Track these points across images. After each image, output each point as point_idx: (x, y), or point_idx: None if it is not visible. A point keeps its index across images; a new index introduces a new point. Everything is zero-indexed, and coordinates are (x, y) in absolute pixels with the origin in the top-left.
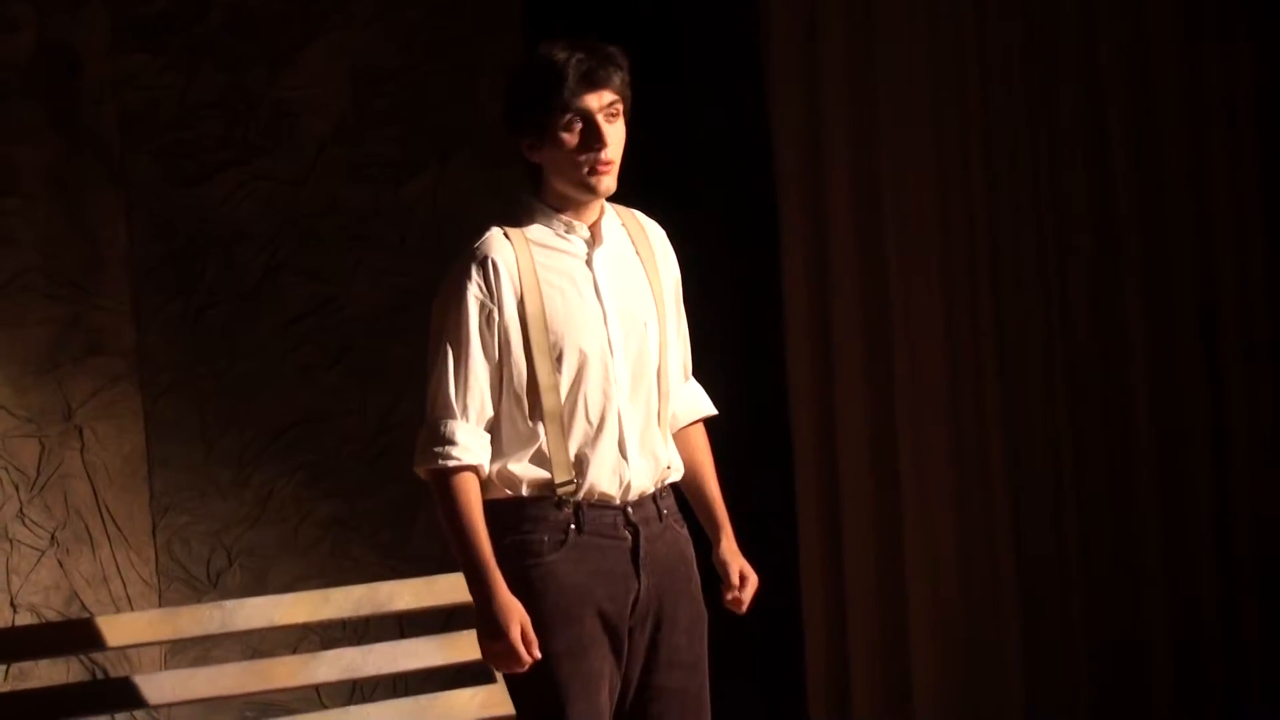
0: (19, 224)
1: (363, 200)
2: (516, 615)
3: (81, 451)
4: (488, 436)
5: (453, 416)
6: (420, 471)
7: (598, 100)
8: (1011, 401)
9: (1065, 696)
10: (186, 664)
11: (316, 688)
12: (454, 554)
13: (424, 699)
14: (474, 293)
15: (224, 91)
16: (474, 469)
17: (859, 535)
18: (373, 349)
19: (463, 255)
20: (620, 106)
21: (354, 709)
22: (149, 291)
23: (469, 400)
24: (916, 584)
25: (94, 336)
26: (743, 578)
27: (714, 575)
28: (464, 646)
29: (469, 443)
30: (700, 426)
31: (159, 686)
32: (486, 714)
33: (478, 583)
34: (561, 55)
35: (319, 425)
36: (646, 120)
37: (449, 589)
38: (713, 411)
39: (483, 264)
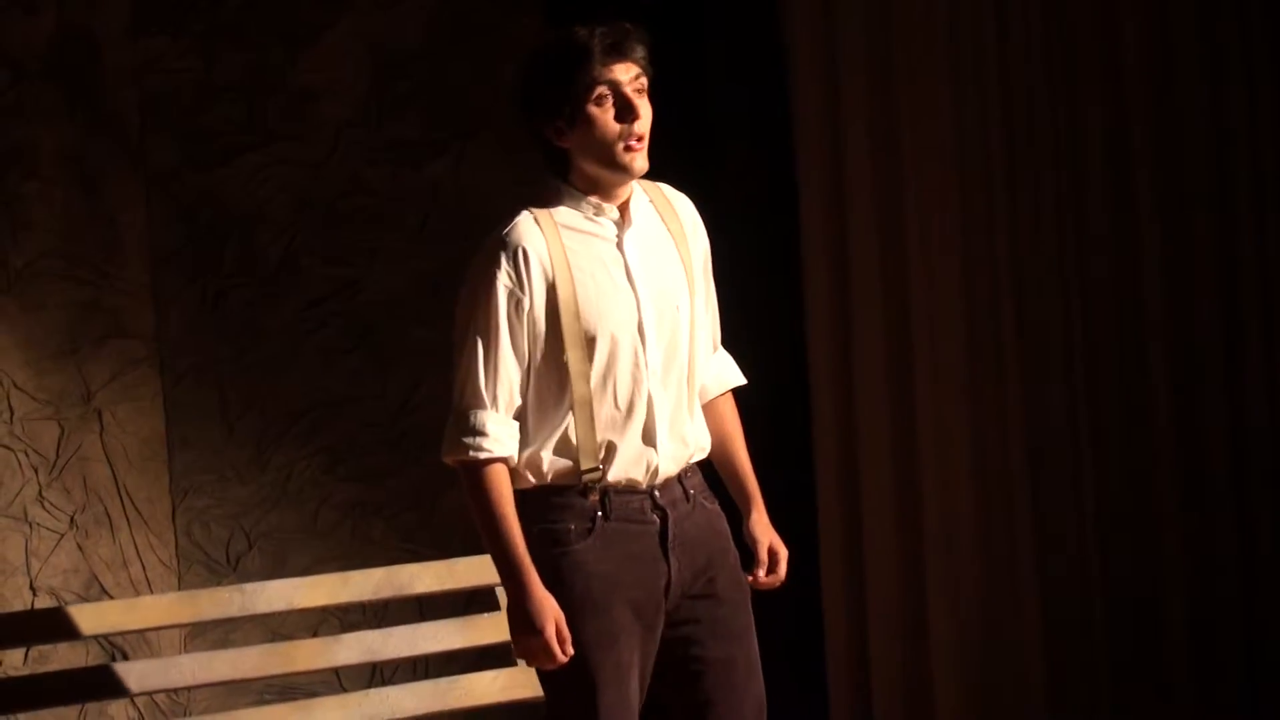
0: (39, 208)
1: (383, 183)
2: (551, 612)
3: (101, 434)
4: (516, 426)
5: (482, 406)
6: (449, 461)
7: (625, 72)
8: (1032, 387)
9: (1085, 686)
10: (206, 647)
11: (336, 670)
12: (486, 547)
13: (444, 682)
14: (503, 280)
15: (244, 74)
16: (504, 460)
17: (879, 522)
18: (393, 332)
19: (491, 241)
20: (645, 82)
21: (374, 691)
22: (169, 275)
23: (499, 390)
24: (936, 570)
25: (114, 319)
26: (773, 555)
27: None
28: (484, 629)
29: (499, 433)
30: (729, 397)
31: (179, 669)
32: (507, 697)
33: (511, 578)
34: (583, 32)
35: (339, 408)
36: (666, 102)
37: (469, 572)
38: (742, 381)
39: (513, 251)
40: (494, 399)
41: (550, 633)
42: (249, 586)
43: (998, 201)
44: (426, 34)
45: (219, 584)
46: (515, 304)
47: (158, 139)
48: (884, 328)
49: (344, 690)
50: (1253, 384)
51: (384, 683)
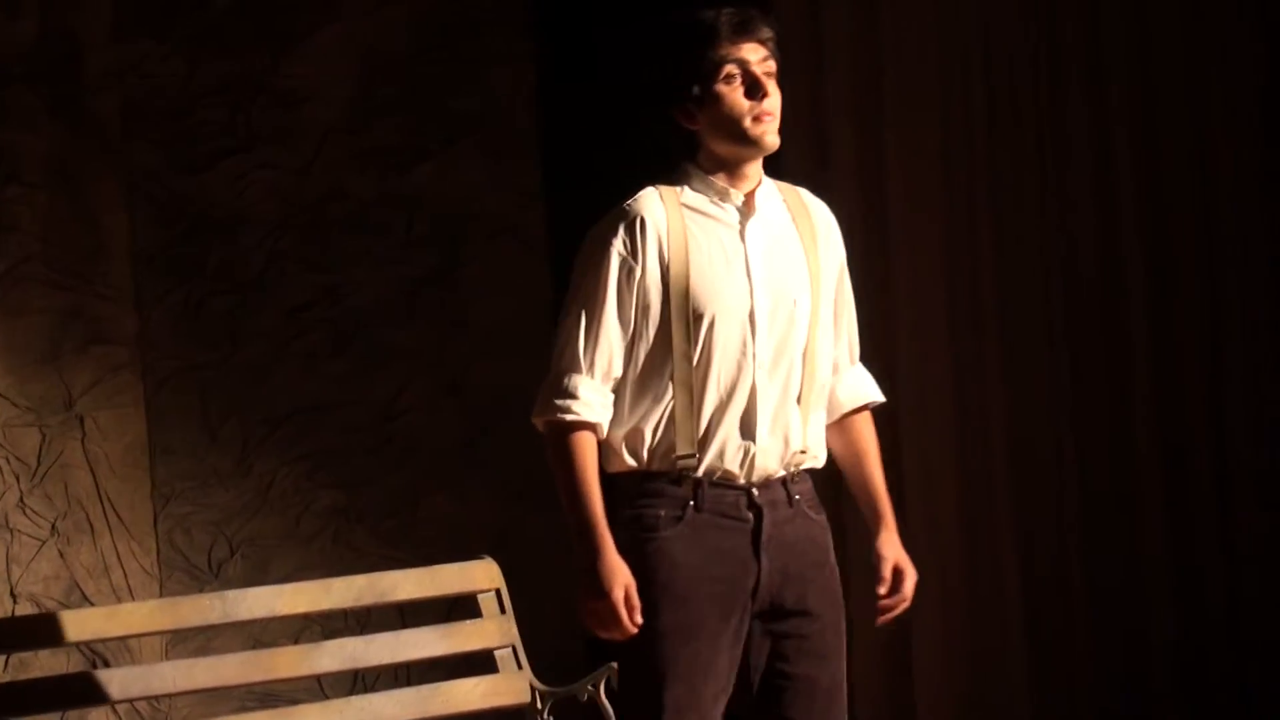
0: (20, 211)
1: (367, 188)
2: (621, 576)
3: (83, 441)
4: (611, 396)
5: (579, 371)
6: (537, 422)
7: (754, 53)
8: (1015, 400)
9: (1069, 696)
10: (188, 654)
11: (318, 678)
12: (564, 509)
13: (426, 689)
14: (619, 249)
15: (228, 78)
16: (593, 427)
17: (861, 529)
18: (376, 338)
19: (613, 211)
20: (774, 66)
21: (356, 699)
22: (151, 280)
23: (597, 357)
24: (920, 581)
25: (95, 325)
26: (897, 575)
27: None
28: (466, 636)
29: (591, 399)
30: (866, 414)
31: (160, 676)
32: (489, 704)
33: (585, 540)
34: (709, 13)
35: (321, 414)
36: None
37: (451, 579)
38: (880, 399)
39: (632, 222)
40: (591, 365)
41: (619, 596)
42: (231, 593)
43: (978, 203)
44: (411, 40)
45: (201, 591)
46: (627, 273)
47: (140, 143)
48: (868, 331)
49: (326, 697)
50: (1235, 377)
51: (366, 690)
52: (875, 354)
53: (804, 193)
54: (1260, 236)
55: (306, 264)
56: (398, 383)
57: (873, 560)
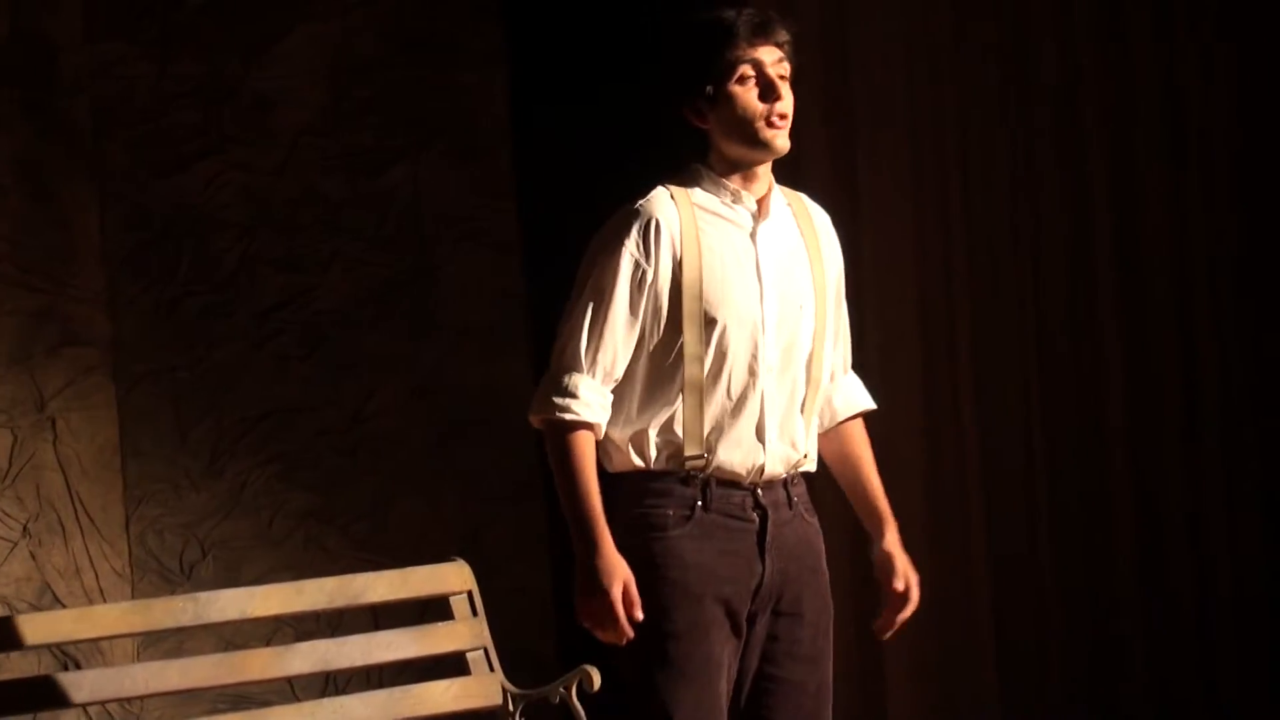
0: None
1: (339, 190)
2: (620, 574)
3: (54, 443)
4: (610, 397)
5: (579, 370)
6: (534, 420)
7: (769, 54)
8: (985, 406)
9: (1039, 701)
10: (159, 656)
11: (290, 680)
12: (562, 507)
13: (398, 691)
14: (630, 249)
15: (200, 80)
16: (591, 426)
17: (830, 535)
18: (348, 340)
19: (624, 210)
20: (789, 69)
21: (328, 701)
22: (123, 282)
23: (600, 356)
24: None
25: (67, 327)
26: (905, 583)
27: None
28: (438, 638)
29: (590, 399)
30: (859, 422)
31: (132, 679)
32: (460, 706)
33: (582, 537)
34: (728, 13)
35: (293, 417)
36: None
37: (423, 581)
38: (872, 406)
39: (645, 221)
40: (592, 364)
41: (617, 593)
42: (202, 595)
43: (953, 214)
44: (382, 43)
45: (172, 593)
46: (639, 275)
47: (112, 144)
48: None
49: (298, 699)
50: (1208, 377)
51: (338, 692)
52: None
53: (807, 200)
54: (1231, 222)
55: (278, 266)
56: (369, 385)
57: (878, 568)
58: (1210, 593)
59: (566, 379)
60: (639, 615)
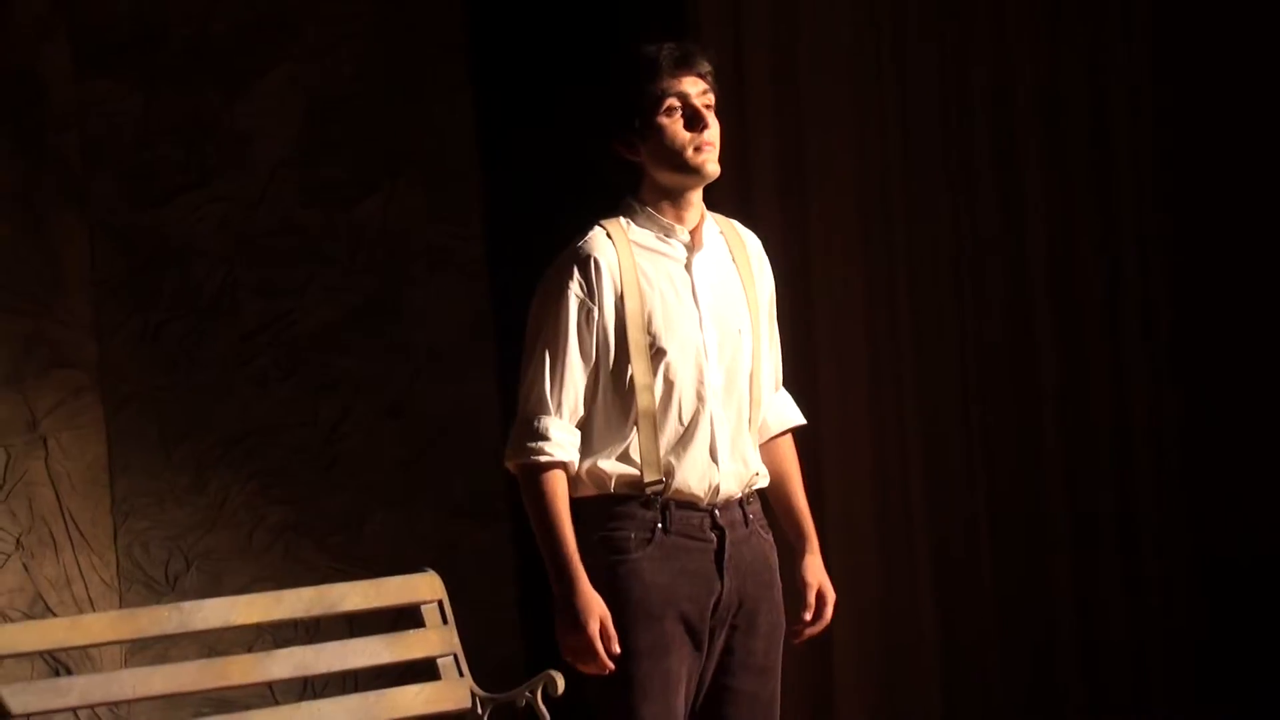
0: None
1: (315, 220)
2: (596, 610)
3: (46, 460)
4: (578, 434)
5: (547, 413)
6: (510, 465)
7: (693, 85)
8: (929, 417)
9: (983, 703)
10: (146, 662)
11: (270, 685)
12: (540, 547)
13: (372, 695)
14: (575, 290)
15: (183, 117)
16: (564, 465)
17: (784, 549)
18: (324, 362)
19: (564, 253)
20: (713, 99)
21: (305, 705)
22: (110, 307)
23: (564, 397)
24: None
25: (57, 350)
26: (820, 599)
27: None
28: (411, 645)
29: (561, 439)
30: (789, 437)
31: (120, 684)
32: (432, 709)
33: (560, 576)
34: (650, 48)
35: (273, 435)
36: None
37: (397, 590)
38: (802, 421)
39: (585, 262)
40: (558, 405)
41: (594, 629)
42: (187, 605)
43: (896, 219)
44: (356, 80)
45: (158, 602)
46: (586, 314)
47: (100, 178)
48: (790, 354)
49: (277, 703)
50: (1137, 386)
51: (315, 696)
52: (796, 376)
53: (738, 225)
54: (1157, 234)
55: (257, 292)
56: (344, 405)
57: (797, 584)
58: (1141, 599)
59: (537, 422)
60: (616, 649)
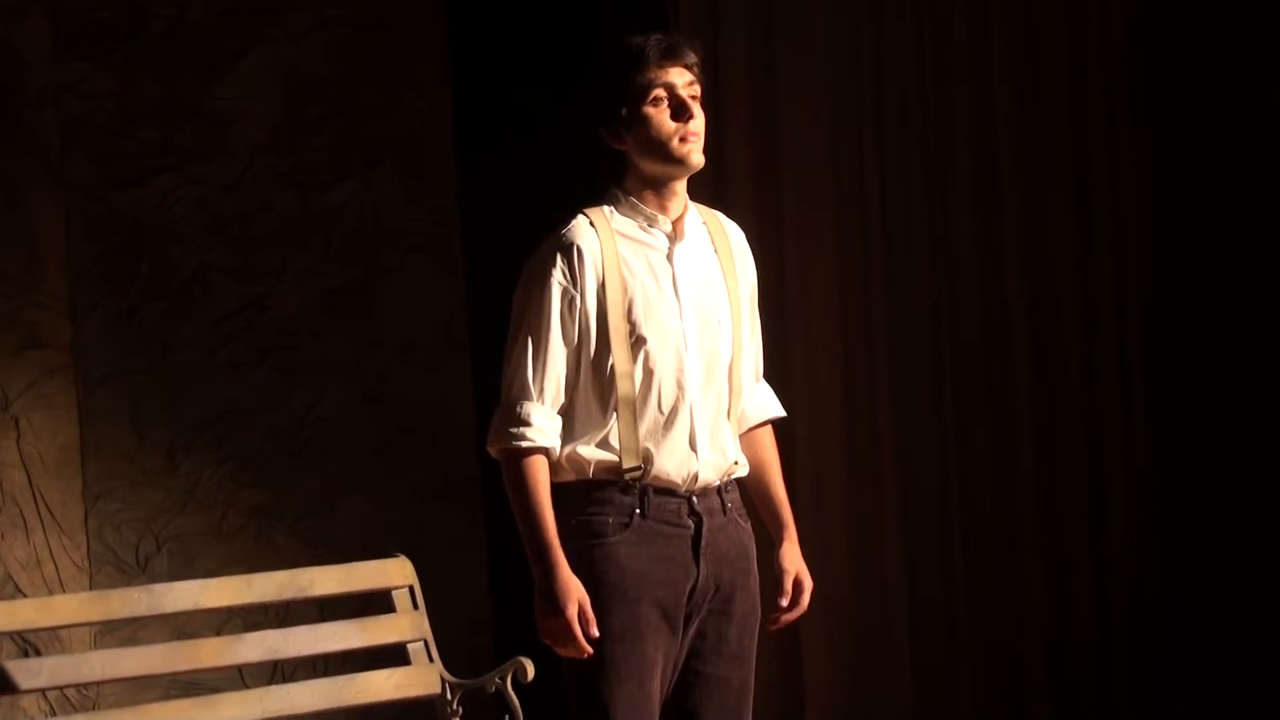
0: None
1: (292, 205)
2: (575, 594)
3: (18, 441)
4: (560, 420)
5: (529, 399)
6: (492, 450)
7: (680, 76)
8: (903, 413)
9: (951, 705)
10: (116, 644)
11: (239, 668)
12: (520, 531)
13: (342, 679)
14: (558, 278)
15: (161, 100)
16: (546, 451)
17: (762, 538)
18: (298, 347)
19: (548, 241)
20: (699, 90)
21: (275, 688)
22: (85, 289)
23: (545, 384)
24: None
25: (31, 331)
26: (797, 586)
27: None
28: (381, 629)
29: (543, 425)
30: (769, 428)
31: (89, 665)
32: (401, 694)
33: (540, 560)
34: (638, 39)
35: (246, 419)
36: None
37: (367, 575)
38: (782, 414)
39: (568, 250)
40: (540, 392)
41: (572, 613)
42: (157, 587)
43: (871, 220)
44: (334, 65)
45: (129, 584)
46: (568, 301)
47: (77, 160)
48: (765, 347)
49: (246, 686)
50: (1109, 390)
51: (285, 680)
52: (771, 368)
53: (721, 216)
54: (1134, 231)
55: (233, 276)
56: (318, 389)
57: (775, 571)
58: (1108, 605)
59: (519, 408)
60: (595, 633)
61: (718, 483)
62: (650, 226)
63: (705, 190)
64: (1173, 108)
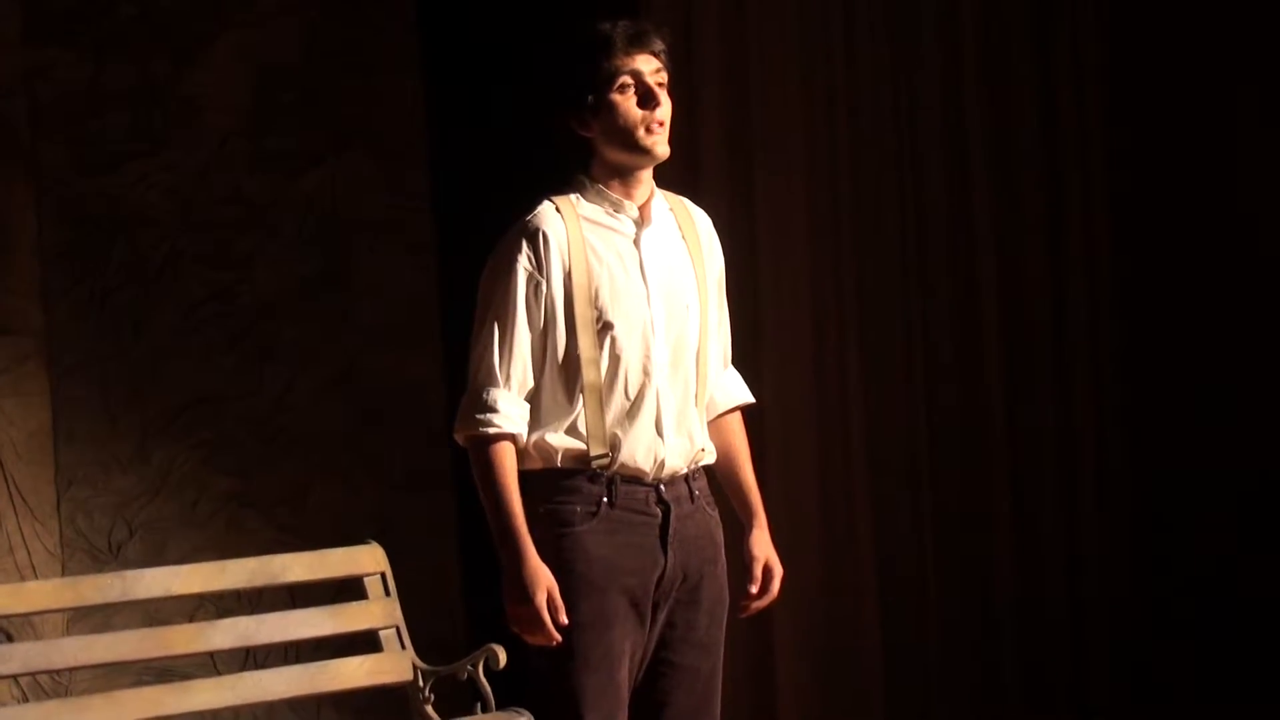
0: None
1: (264, 190)
2: (544, 581)
3: None
4: (527, 406)
5: (496, 385)
6: (459, 437)
7: (647, 64)
8: (874, 403)
9: (922, 694)
10: (88, 630)
11: (212, 654)
12: (488, 519)
13: (314, 666)
14: (523, 264)
15: (132, 84)
16: (512, 437)
17: (729, 526)
18: (269, 333)
19: (513, 228)
20: (666, 77)
21: (247, 675)
22: (56, 275)
23: (512, 370)
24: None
25: (3, 317)
26: (767, 574)
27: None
28: (353, 617)
29: (510, 411)
30: (738, 414)
31: (61, 651)
32: (373, 681)
33: (508, 547)
34: (605, 25)
35: (218, 405)
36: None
37: (339, 562)
38: (751, 400)
39: (533, 236)
40: (507, 378)
41: (541, 600)
42: (129, 573)
43: (843, 215)
44: (305, 50)
45: (101, 571)
46: (534, 287)
47: (48, 145)
48: (736, 335)
49: (219, 673)
50: (1082, 386)
51: (257, 666)
52: (741, 356)
53: (688, 202)
54: (1104, 236)
55: (204, 262)
56: (290, 376)
57: (744, 557)
58: (1080, 596)
59: (485, 395)
60: (564, 620)
61: (685, 470)
62: (616, 212)
63: (678, 177)
64: (1146, 102)
